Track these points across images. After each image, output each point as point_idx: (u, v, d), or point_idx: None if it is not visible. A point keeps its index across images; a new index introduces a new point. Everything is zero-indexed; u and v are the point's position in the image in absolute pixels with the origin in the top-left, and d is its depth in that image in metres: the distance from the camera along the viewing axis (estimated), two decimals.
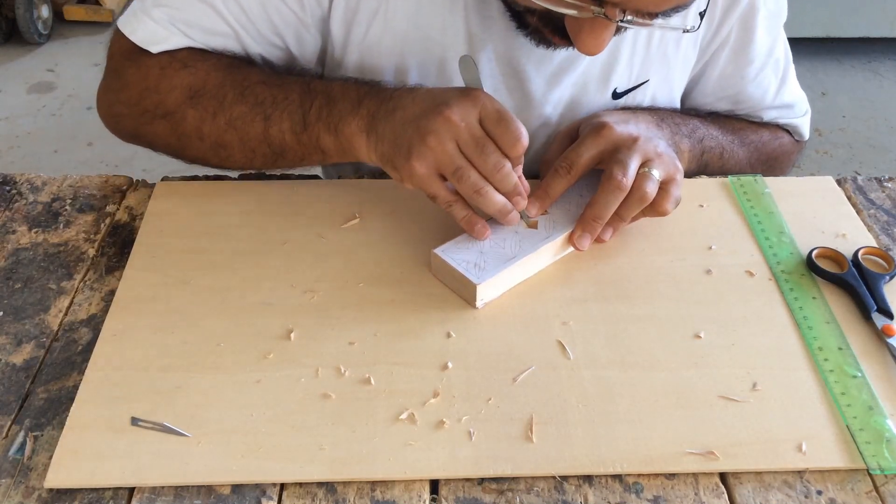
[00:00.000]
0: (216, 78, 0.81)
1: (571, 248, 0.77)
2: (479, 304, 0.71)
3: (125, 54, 0.84)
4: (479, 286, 0.70)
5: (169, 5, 0.82)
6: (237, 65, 0.83)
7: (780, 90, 0.96)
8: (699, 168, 0.90)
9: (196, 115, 0.81)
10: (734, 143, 0.93)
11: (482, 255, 0.73)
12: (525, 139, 0.69)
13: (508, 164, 0.70)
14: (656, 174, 0.74)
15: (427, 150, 0.69)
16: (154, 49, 0.82)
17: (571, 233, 0.75)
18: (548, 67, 0.86)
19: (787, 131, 1.00)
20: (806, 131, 1.01)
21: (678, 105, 0.95)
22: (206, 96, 0.81)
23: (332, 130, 0.76)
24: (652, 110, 0.90)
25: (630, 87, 0.90)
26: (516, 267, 0.73)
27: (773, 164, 0.99)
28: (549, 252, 0.75)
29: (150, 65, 0.82)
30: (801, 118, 1.00)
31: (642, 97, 0.91)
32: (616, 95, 0.90)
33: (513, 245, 0.74)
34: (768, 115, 0.97)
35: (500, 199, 0.71)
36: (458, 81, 0.78)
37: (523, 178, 0.73)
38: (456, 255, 0.73)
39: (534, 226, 0.76)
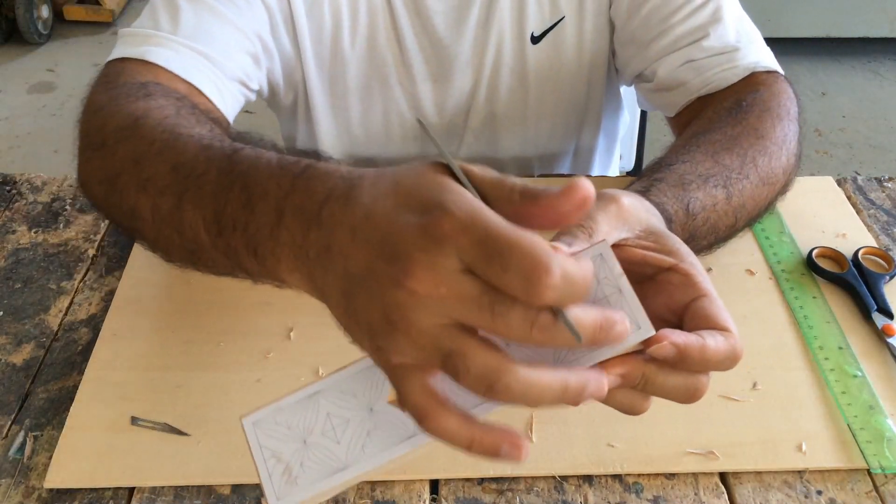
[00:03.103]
0: (163, 111, 0.63)
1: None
2: None
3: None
4: None
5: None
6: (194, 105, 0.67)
7: (717, 25, 0.79)
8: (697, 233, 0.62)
9: (124, 152, 0.60)
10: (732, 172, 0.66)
11: (305, 448, 0.44)
12: (551, 262, 0.36)
13: (543, 313, 0.38)
14: None
15: (398, 342, 0.40)
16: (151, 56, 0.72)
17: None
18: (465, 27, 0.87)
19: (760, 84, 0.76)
20: (774, 65, 0.79)
21: (607, 45, 0.90)
22: (138, 133, 0.60)
23: (252, 252, 0.48)
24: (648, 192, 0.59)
25: (546, 28, 0.88)
26: (348, 479, 0.44)
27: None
28: (405, 455, 0.44)
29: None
30: (760, 52, 0.80)
31: (562, 37, 0.88)
32: (535, 40, 0.89)
33: (353, 439, 0.44)
34: (708, 44, 0.79)
35: (537, 377, 0.38)
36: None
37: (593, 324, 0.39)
38: (269, 438, 0.45)
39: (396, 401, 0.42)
